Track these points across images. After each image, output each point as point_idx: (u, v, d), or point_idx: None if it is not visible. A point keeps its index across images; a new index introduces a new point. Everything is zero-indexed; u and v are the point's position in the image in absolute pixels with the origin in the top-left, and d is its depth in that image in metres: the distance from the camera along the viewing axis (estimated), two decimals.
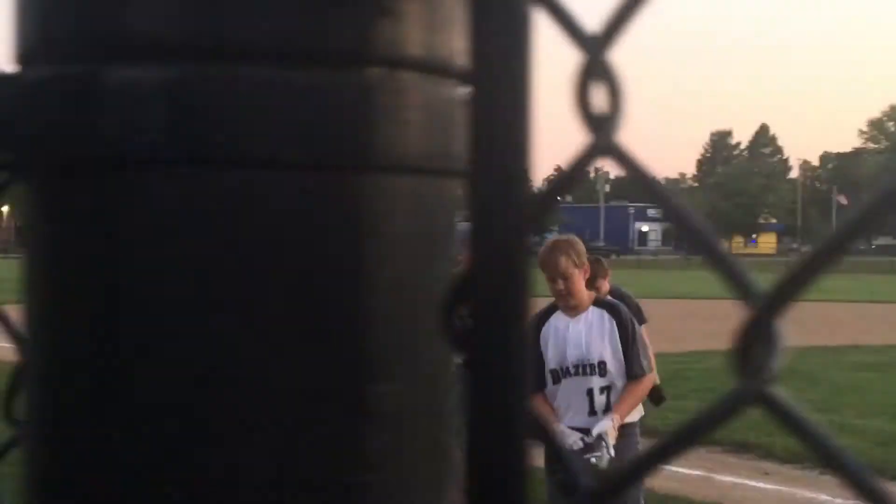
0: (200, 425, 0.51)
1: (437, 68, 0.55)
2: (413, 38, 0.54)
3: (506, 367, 0.48)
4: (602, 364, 5.38)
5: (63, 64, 0.52)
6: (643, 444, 5.60)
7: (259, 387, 0.51)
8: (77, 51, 0.52)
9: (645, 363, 5.46)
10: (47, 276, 0.54)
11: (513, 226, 0.48)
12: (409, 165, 0.54)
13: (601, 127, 0.45)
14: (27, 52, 0.54)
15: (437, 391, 0.56)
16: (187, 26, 0.51)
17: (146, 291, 0.51)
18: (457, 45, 0.56)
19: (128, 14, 0.51)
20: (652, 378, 5.61)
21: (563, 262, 5.28)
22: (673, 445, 0.44)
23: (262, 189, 0.51)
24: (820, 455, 0.42)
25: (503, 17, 0.48)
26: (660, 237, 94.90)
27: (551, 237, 5.83)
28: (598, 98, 0.45)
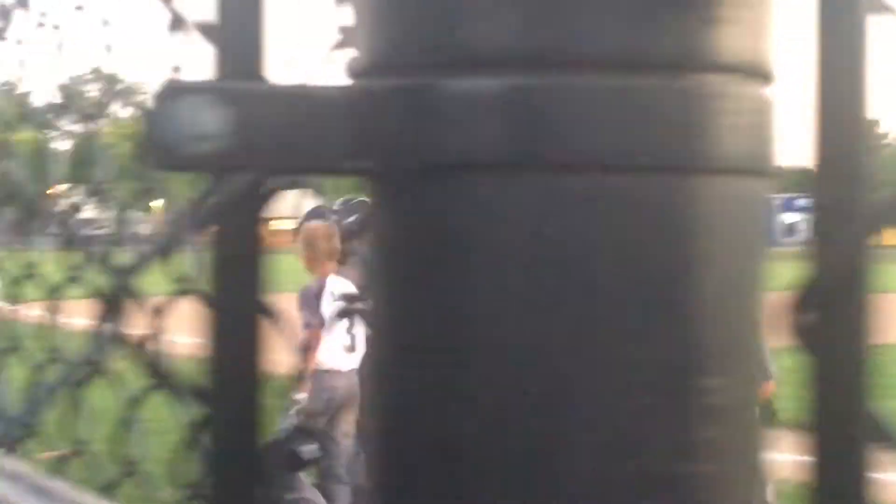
0: (535, 419, 0.54)
1: (751, 72, 0.57)
2: (730, 43, 0.56)
3: (850, 366, 0.50)
4: None
5: (406, 76, 0.56)
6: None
7: (595, 383, 0.54)
8: (419, 63, 0.56)
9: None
10: (394, 276, 0.57)
11: (857, 229, 0.50)
12: (732, 167, 0.56)
13: None
14: (373, 65, 0.58)
15: (754, 385, 0.58)
16: (524, 38, 0.54)
17: (488, 289, 0.54)
18: (767, 49, 0.58)
19: (467, 28, 0.55)
20: (768, 387, 5.44)
21: None
22: None
23: (598, 192, 0.54)
24: None
25: (849, 28, 0.49)
26: (808, 228, 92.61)
27: None
28: None
